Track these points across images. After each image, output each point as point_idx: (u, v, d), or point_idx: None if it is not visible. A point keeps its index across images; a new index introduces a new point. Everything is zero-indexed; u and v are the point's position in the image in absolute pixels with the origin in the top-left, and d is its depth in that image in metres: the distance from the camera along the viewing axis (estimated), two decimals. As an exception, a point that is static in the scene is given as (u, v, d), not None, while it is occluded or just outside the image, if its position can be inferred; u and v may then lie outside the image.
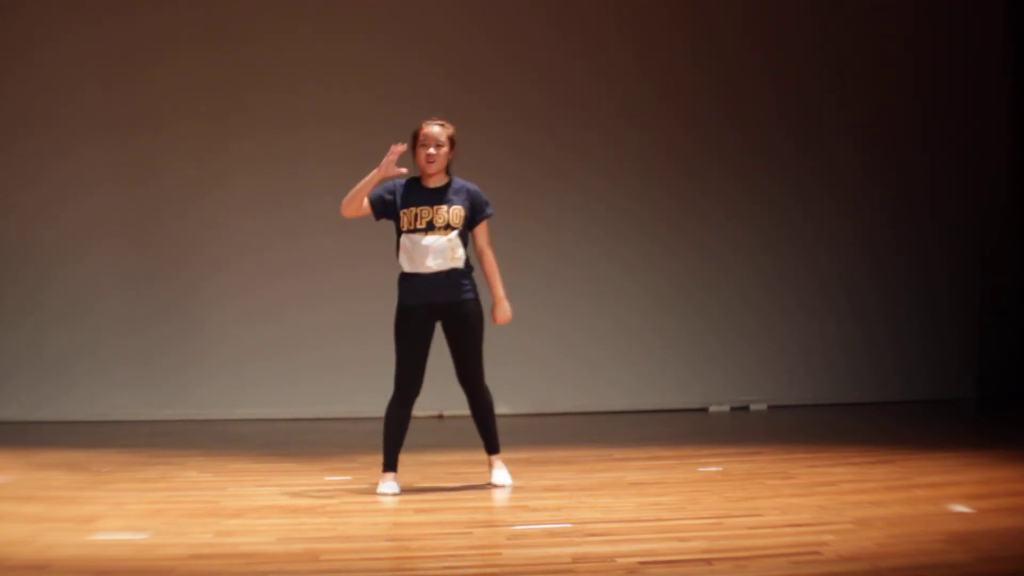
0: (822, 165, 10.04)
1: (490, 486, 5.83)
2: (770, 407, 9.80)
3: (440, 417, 9.32)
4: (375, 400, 9.14)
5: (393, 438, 5.70)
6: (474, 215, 5.67)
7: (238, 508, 5.31)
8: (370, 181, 5.60)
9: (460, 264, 5.64)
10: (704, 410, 9.77)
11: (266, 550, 4.41)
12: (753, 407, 9.82)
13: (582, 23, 9.83)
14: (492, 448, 5.93)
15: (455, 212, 5.62)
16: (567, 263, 9.79)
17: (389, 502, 5.48)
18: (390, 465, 5.70)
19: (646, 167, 9.85)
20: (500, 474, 5.89)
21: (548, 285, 9.67)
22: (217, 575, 4.08)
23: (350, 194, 5.66)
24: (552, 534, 4.72)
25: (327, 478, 6.22)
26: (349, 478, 6.15)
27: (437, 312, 5.67)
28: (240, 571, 4.11)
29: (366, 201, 5.67)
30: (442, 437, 8.17)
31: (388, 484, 5.66)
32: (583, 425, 8.96)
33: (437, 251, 5.58)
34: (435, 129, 5.64)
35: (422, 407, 9.46)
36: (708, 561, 4.12)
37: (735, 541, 4.45)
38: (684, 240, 9.93)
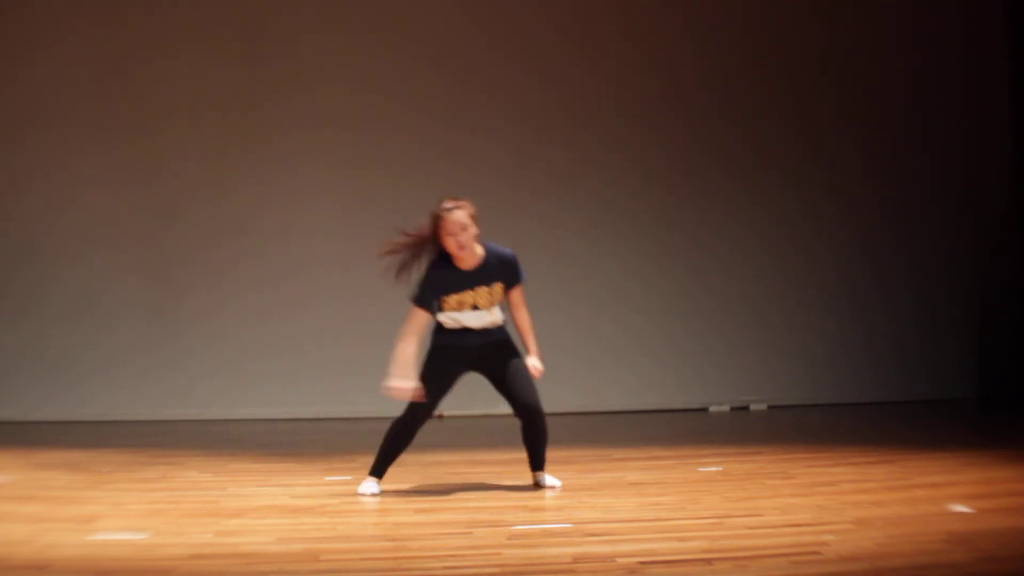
0: (822, 165, 10.04)
1: (538, 487, 5.82)
2: (770, 407, 9.80)
3: (440, 417, 9.31)
4: (375, 400, 9.14)
5: (389, 451, 5.74)
6: (509, 282, 5.71)
7: (238, 508, 5.31)
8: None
9: (499, 321, 5.75)
10: (704, 410, 9.77)
11: (266, 550, 4.41)
12: (753, 407, 9.82)
13: (583, 23, 9.83)
14: (538, 465, 5.88)
15: (496, 291, 5.67)
16: (567, 263, 9.78)
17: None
18: (377, 473, 5.74)
19: (646, 167, 9.85)
20: (549, 477, 5.87)
21: (548, 285, 9.65)
22: (217, 575, 4.08)
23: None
24: (552, 534, 4.72)
25: (327, 478, 6.22)
26: (349, 478, 6.15)
27: (473, 355, 5.68)
28: (240, 571, 4.11)
29: (425, 317, 5.62)
30: (442, 437, 8.17)
31: (368, 485, 5.69)
32: (583, 425, 8.95)
33: (480, 321, 5.67)
34: (458, 214, 5.55)
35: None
36: (708, 561, 4.12)
37: (735, 541, 4.45)
38: (684, 240, 9.93)
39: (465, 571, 4.07)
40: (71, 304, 9.39)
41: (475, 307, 5.64)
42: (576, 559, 4.18)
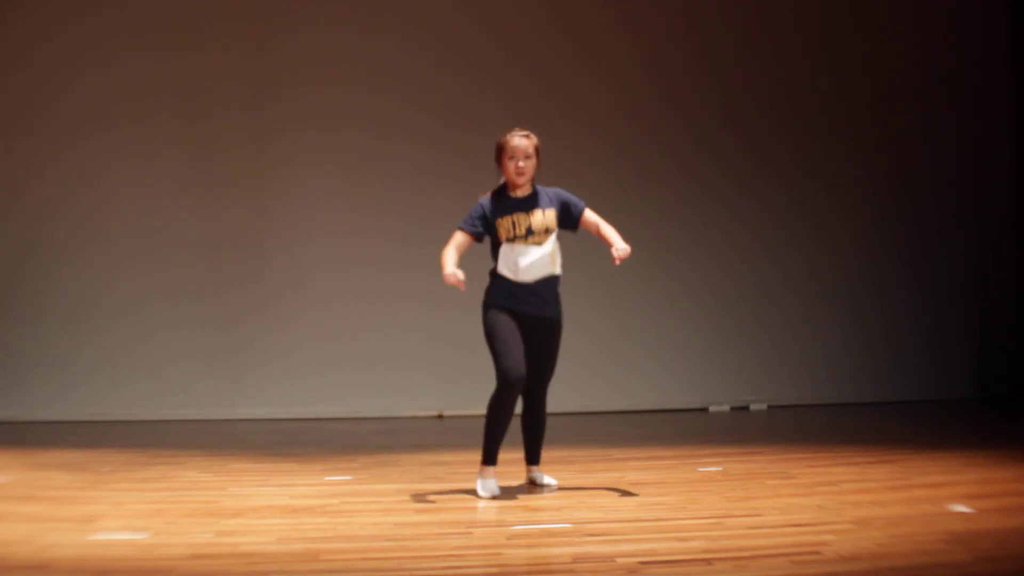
0: (823, 165, 10.06)
1: (532, 484, 5.82)
2: (770, 407, 9.80)
3: (440, 417, 9.32)
4: (376, 400, 9.18)
5: (498, 431, 5.59)
6: (570, 212, 5.73)
7: (238, 508, 5.31)
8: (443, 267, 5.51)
9: (558, 271, 5.70)
10: (704, 410, 9.77)
11: (266, 550, 4.41)
12: (753, 407, 9.82)
13: (583, 23, 9.84)
14: (535, 459, 5.90)
15: (549, 216, 5.66)
16: (567, 263, 9.73)
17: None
18: (490, 459, 5.62)
19: (647, 167, 9.86)
20: (546, 476, 5.89)
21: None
22: (217, 575, 4.08)
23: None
24: (552, 534, 4.72)
25: (327, 478, 6.21)
26: (349, 478, 6.15)
27: (528, 321, 5.61)
28: (240, 571, 4.11)
29: (464, 237, 5.60)
30: (442, 437, 8.17)
31: (488, 483, 5.57)
32: (583, 425, 8.95)
33: (539, 264, 5.61)
34: (523, 142, 5.68)
35: (423, 407, 9.45)
36: (708, 561, 4.12)
37: (735, 541, 4.45)
38: (684, 240, 9.93)
39: (465, 571, 4.07)
40: (71, 304, 9.39)
41: (529, 231, 5.58)
42: (576, 559, 4.18)
